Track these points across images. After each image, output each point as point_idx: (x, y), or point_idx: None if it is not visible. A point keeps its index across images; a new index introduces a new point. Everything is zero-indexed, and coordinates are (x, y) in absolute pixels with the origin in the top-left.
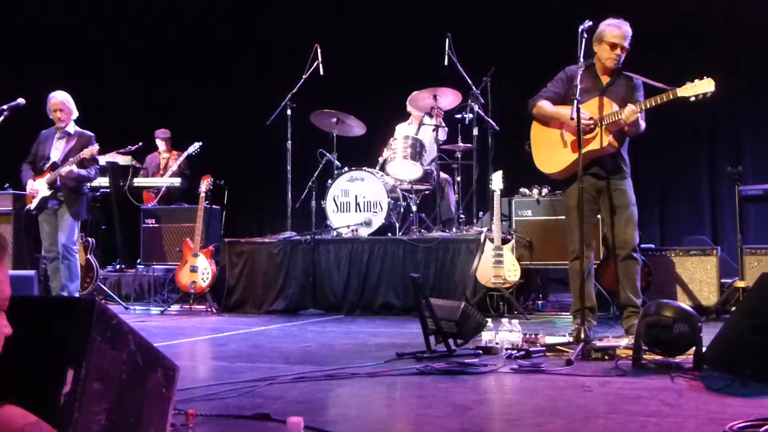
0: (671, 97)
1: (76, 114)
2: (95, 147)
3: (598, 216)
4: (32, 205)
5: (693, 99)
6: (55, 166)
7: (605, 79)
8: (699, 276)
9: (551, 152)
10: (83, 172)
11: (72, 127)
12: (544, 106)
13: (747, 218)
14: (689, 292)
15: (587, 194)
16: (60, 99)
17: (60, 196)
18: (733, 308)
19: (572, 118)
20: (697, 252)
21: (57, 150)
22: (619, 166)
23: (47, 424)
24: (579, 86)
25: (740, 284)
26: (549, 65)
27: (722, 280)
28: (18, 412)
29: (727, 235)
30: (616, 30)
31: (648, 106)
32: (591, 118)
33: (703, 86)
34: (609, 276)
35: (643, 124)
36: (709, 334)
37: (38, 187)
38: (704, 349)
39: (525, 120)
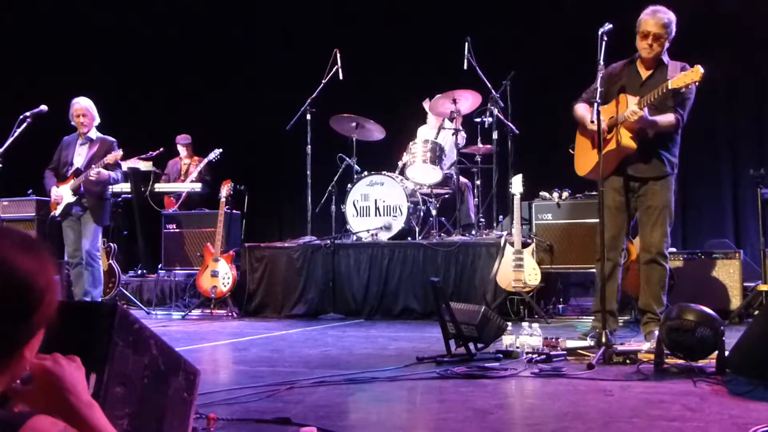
0: (664, 90)
1: (98, 120)
2: (119, 152)
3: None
4: (57, 212)
5: (684, 90)
6: (78, 172)
7: (645, 74)
8: (722, 279)
9: (584, 155)
10: (113, 174)
11: (94, 133)
12: (578, 109)
13: None
14: (712, 295)
15: (617, 195)
16: (83, 105)
17: (84, 203)
18: (756, 312)
19: (592, 121)
20: (720, 255)
21: (80, 156)
22: (655, 166)
23: (74, 430)
24: (617, 82)
25: (763, 288)
26: (569, 69)
27: (745, 284)
28: (47, 420)
29: (750, 239)
30: (649, 18)
31: (646, 102)
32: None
33: (690, 75)
34: (631, 280)
35: (665, 119)
36: (731, 338)
37: (62, 194)
38: (727, 353)
39: (543, 124)
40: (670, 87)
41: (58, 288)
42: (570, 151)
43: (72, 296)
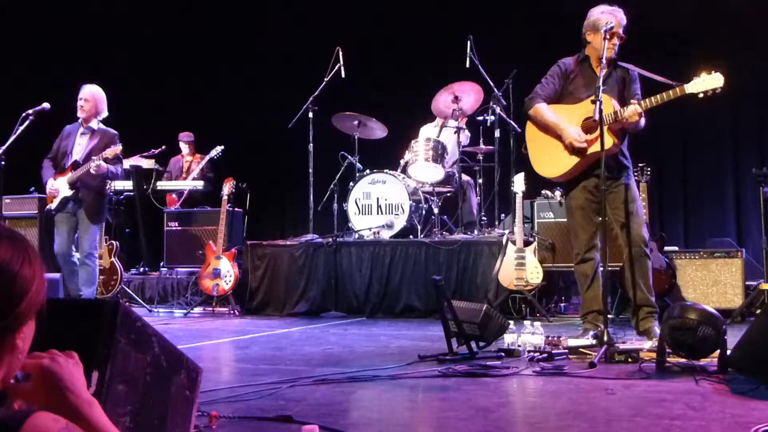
0: (678, 94)
1: (104, 114)
2: (118, 147)
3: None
4: (53, 205)
5: (701, 96)
6: (76, 165)
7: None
8: (723, 278)
9: (551, 155)
10: (112, 168)
11: (96, 124)
12: (543, 112)
13: None
14: (714, 294)
15: (590, 195)
16: (88, 90)
17: (81, 197)
18: (759, 311)
19: (594, 120)
20: (722, 254)
21: (80, 146)
22: (621, 164)
23: (76, 426)
24: (573, 80)
25: (765, 286)
26: None
27: (747, 283)
28: (49, 417)
29: (752, 237)
30: (612, 18)
31: (653, 104)
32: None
33: (712, 81)
34: None
35: (642, 121)
36: (733, 336)
37: (59, 187)
38: (729, 352)
39: None
40: (687, 91)
41: (44, 276)
42: (522, 150)
43: (67, 292)
